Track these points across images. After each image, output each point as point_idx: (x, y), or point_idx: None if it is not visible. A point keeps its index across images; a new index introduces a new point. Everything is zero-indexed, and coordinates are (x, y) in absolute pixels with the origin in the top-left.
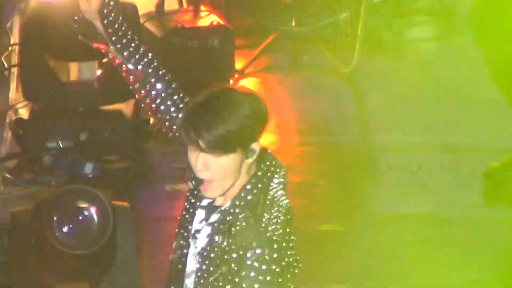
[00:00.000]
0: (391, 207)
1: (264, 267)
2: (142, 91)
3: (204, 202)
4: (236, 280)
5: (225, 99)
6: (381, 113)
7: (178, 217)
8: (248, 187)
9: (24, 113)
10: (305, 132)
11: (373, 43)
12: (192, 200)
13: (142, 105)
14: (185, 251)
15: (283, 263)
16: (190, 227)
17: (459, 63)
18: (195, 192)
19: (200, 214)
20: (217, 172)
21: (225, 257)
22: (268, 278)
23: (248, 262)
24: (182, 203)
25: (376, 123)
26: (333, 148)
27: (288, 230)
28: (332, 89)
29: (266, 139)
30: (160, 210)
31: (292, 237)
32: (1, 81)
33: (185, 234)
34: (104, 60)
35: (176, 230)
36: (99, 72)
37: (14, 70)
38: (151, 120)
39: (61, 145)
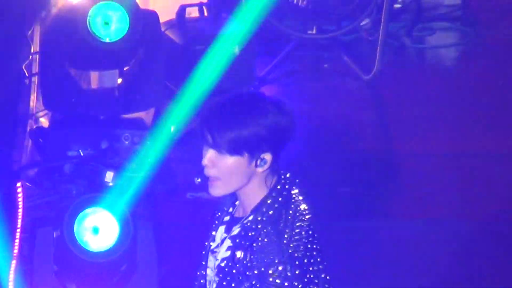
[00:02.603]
0: (415, 215)
1: (286, 283)
2: None
3: (226, 218)
4: None
5: (249, 103)
6: (403, 120)
7: (206, 243)
8: (269, 201)
9: (44, 121)
10: (326, 140)
11: (394, 50)
12: (217, 215)
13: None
14: (203, 262)
15: (305, 280)
16: (211, 244)
17: (481, 70)
18: (218, 213)
19: (221, 230)
20: (222, 171)
21: (247, 273)
22: None
23: (270, 279)
24: (202, 210)
25: (398, 131)
26: (355, 155)
27: (309, 246)
28: (354, 96)
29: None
30: (180, 218)
31: (315, 253)
32: (22, 90)
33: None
34: (125, 69)
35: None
36: (120, 80)
37: (35, 79)
38: (172, 128)
39: (81, 154)
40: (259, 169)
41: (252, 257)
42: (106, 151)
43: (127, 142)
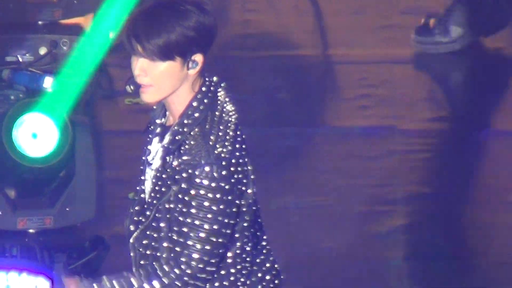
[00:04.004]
0: (349, 120)
1: (213, 184)
2: None
3: (158, 130)
4: (186, 198)
5: (171, 8)
6: (339, 26)
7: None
8: (195, 104)
9: None
10: (261, 45)
11: None
12: (150, 128)
13: None
14: (142, 177)
15: (232, 180)
16: (148, 158)
17: None
18: (151, 126)
19: (155, 141)
20: (155, 78)
21: (176, 177)
22: (218, 195)
23: (197, 180)
24: (140, 117)
25: (336, 36)
26: (292, 62)
27: (237, 146)
28: (291, 2)
29: (220, 52)
30: (119, 124)
31: (243, 153)
32: None
33: (143, 166)
34: None
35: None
36: None
37: None
38: (111, 34)
39: (20, 59)
40: (191, 72)
41: (180, 160)
42: (45, 56)
43: (65, 48)
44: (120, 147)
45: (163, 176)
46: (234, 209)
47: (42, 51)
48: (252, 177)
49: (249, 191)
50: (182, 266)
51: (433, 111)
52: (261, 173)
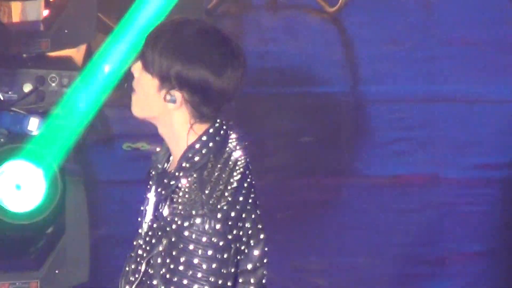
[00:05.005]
0: (384, 168)
1: (203, 239)
2: None
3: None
4: (174, 253)
5: (197, 31)
6: (372, 59)
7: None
8: (197, 146)
9: None
10: (287, 81)
11: None
12: (152, 174)
13: None
14: (139, 230)
15: (229, 237)
16: (146, 207)
17: (462, 2)
18: (152, 172)
19: (153, 189)
20: (136, 82)
21: (167, 229)
22: (209, 252)
23: (186, 233)
24: (140, 165)
25: (366, 71)
26: (318, 100)
27: (241, 199)
28: (316, 31)
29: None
30: (116, 173)
31: (248, 207)
32: None
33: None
34: None
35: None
36: (46, 12)
37: None
38: (106, 69)
39: (1, 98)
40: (170, 106)
41: (170, 209)
42: (30, 94)
43: (54, 85)
44: (118, 200)
45: (154, 226)
46: (232, 269)
47: (27, 88)
48: (261, 236)
49: (256, 252)
50: None
51: (482, 156)
52: (280, 228)
